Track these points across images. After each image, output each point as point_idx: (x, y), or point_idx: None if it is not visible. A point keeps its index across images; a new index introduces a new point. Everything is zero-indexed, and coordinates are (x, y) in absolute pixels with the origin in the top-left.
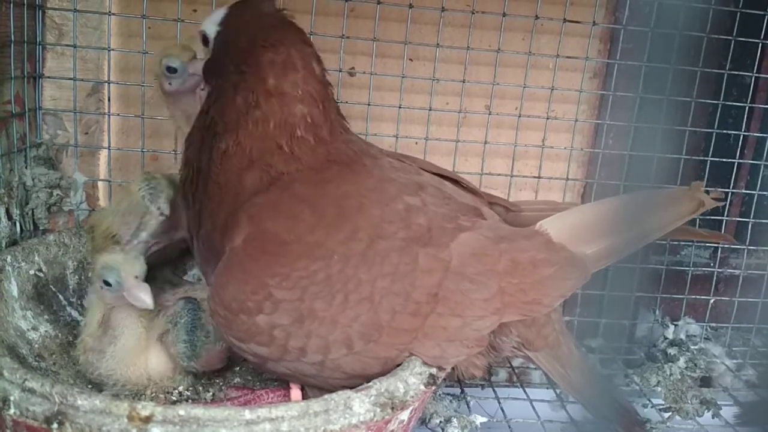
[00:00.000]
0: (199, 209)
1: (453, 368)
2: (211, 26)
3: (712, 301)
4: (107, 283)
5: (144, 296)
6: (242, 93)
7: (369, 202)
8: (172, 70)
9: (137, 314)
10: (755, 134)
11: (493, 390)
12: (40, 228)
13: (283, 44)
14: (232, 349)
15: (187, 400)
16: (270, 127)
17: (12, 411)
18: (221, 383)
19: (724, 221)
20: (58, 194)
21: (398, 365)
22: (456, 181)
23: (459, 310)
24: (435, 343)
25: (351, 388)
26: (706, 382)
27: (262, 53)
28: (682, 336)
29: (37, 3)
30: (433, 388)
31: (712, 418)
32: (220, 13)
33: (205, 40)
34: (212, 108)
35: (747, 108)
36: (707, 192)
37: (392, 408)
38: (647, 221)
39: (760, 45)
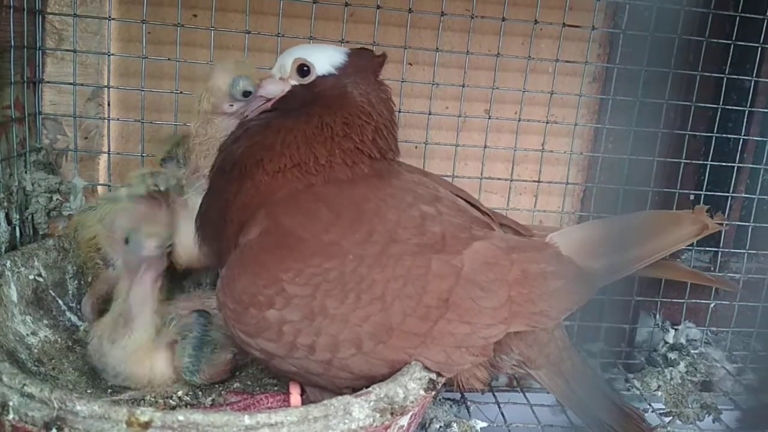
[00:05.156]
0: (226, 201)
1: (454, 378)
2: (323, 64)
3: (712, 305)
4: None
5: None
6: (340, 145)
7: (386, 206)
8: (247, 94)
9: (153, 312)
10: (755, 138)
11: (493, 394)
12: (40, 233)
13: (380, 111)
14: (235, 358)
15: (186, 405)
16: (336, 160)
17: (11, 416)
18: (221, 388)
19: (724, 225)
20: (57, 199)
21: None
22: (471, 204)
23: (468, 316)
24: (441, 349)
25: (356, 388)
26: (706, 386)
27: (365, 123)
28: (683, 340)
29: (37, 8)
30: (433, 393)
31: (713, 422)
32: (337, 56)
33: (303, 69)
34: (281, 126)
35: (746, 112)
36: (710, 216)
37: (392, 413)
38: (652, 241)
39: (760, 49)
